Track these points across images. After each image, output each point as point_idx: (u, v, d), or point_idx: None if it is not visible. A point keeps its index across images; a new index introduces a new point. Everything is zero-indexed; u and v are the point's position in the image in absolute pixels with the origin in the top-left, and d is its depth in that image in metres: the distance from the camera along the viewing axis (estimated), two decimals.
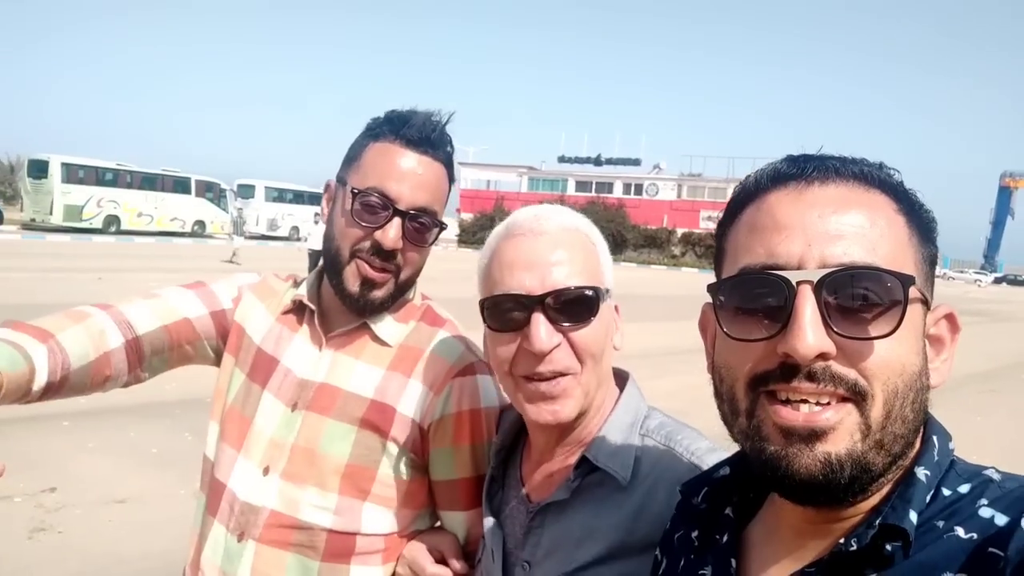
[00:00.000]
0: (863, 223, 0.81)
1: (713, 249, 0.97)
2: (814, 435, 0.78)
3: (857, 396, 0.78)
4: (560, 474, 1.32)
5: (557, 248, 1.25)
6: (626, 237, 57.74)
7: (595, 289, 1.25)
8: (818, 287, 0.78)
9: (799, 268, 0.80)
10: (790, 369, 0.79)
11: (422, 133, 1.49)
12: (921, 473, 0.80)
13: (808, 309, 0.77)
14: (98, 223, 35.26)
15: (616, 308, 1.34)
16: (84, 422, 7.27)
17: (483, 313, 1.29)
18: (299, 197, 44.65)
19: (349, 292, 1.50)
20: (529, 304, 1.22)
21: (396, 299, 1.57)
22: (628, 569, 1.21)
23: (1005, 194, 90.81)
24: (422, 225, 1.50)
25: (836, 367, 0.78)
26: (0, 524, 5.05)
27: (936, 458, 0.82)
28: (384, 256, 1.48)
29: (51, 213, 33.68)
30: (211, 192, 40.99)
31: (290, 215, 44.08)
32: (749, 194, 0.90)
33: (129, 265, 22.29)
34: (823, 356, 0.77)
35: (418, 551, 1.53)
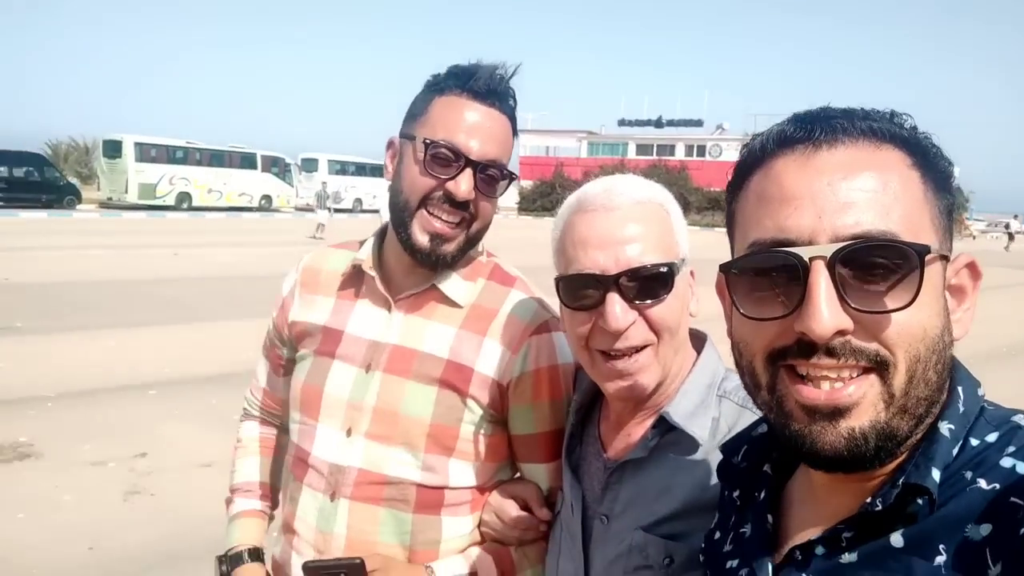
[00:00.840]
0: (875, 187, 0.78)
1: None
2: (837, 412, 0.77)
3: (879, 366, 0.77)
4: (638, 432, 1.35)
5: (630, 223, 1.25)
6: (689, 200, 56.55)
7: (669, 265, 1.25)
8: (831, 262, 0.76)
9: (811, 242, 0.77)
10: (808, 346, 0.77)
11: (489, 86, 1.50)
12: (945, 428, 0.79)
13: (823, 286, 0.75)
14: (171, 200, 36.18)
15: (692, 274, 1.35)
16: (170, 391, 7.64)
17: (558, 290, 1.30)
18: (361, 169, 45.04)
19: (419, 246, 1.50)
20: (604, 283, 1.22)
21: (466, 252, 1.58)
22: (702, 524, 1.22)
23: None
24: (492, 176, 1.51)
25: (856, 341, 0.77)
26: (96, 488, 5.39)
27: (962, 409, 0.81)
28: (455, 206, 1.48)
29: (126, 191, 34.68)
30: (276, 167, 41.60)
31: (353, 187, 44.52)
32: (756, 159, 0.87)
33: (202, 240, 22.96)
34: (841, 332, 0.76)
35: (503, 499, 1.58)
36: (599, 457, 1.40)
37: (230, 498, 1.83)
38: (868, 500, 0.79)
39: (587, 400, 1.49)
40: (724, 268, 0.87)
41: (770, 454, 1.00)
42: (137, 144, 35.09)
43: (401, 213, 1.53)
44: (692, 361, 1.37)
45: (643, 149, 64.48)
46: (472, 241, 1.57)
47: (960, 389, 0.83)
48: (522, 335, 1.56)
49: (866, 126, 0.81)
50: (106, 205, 35.57)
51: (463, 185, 1.46)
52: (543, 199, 50.24)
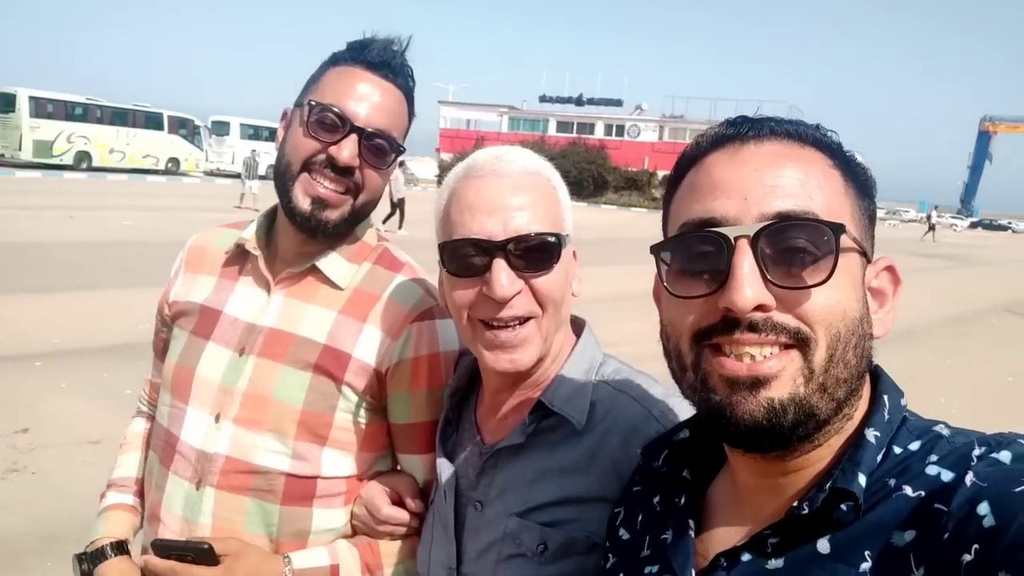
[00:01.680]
0: (798, 175, 0.83)
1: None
2: (757, 383, 0.80)
3: (800, 342, 0.79)
4: (514, 417, 1.33)
5: (519, 192, 1.23)
6: (607, 179, 57.51)
7: (557, 236, 1.24)
8: (754, 240, 0.79)
9: (736, 223, 0.81)
10: (732, 322, 0.80)
11: (382, 57, 1.48)
12: (871, 435, 0.82)
13: (746, 263, 0.79)
14: (69, 159, 34.45)
15: (574, 254, 1.33)
16: (57, 363, 7.22)
17: (442, 257, 1.27)
18: (275, 134, 43.71)
19: (299, 210, 1.46)
20: (490, 249, 1.20)
21: (352, 226, 1.54)
22: (580, 512, 1.23)
23: (984, 138, 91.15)
24: (379, 147, 1.47)
25: (777, 316, 0.79)
26: None
27: (887, 417, 0.84)
28: (338, 172, 1.45)
29: (20, 149, 32.83)
30: (185, 129, 40.09)
31: (267, 153, 43.25)
32: (690, 159, 0.92)
33: (102, 203, 21.91)
34: (762, 308, 0.79)
35: (375, 492, 1.53)
36: (475, 442, 1.39)
37: (104, 493, 1.74)
38: (795, 504, 0.80)
39: (463, 384, 1.47)
40: (654, 249, 0.90)
41: (690, 460, 1.02)
42: (32, 98, 33.21)
43: (283, 177, 1.49)
44: (571, 345, 1.37)
45: (564, 126, 64.94)
46: (358, 214, 1.53)
47: (885, 398, 0.86)
48: (403, 321, 1.52)
49: (792, 129, 0.87)
50: None
51: (345, 151, 1.43)
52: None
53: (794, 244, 0.79)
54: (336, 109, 1.43)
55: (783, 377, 0.79)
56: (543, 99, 68.80)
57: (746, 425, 0.80)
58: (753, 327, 0.79)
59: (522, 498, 1.26)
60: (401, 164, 23.43)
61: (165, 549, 1.42)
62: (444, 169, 56.05)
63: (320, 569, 1.48)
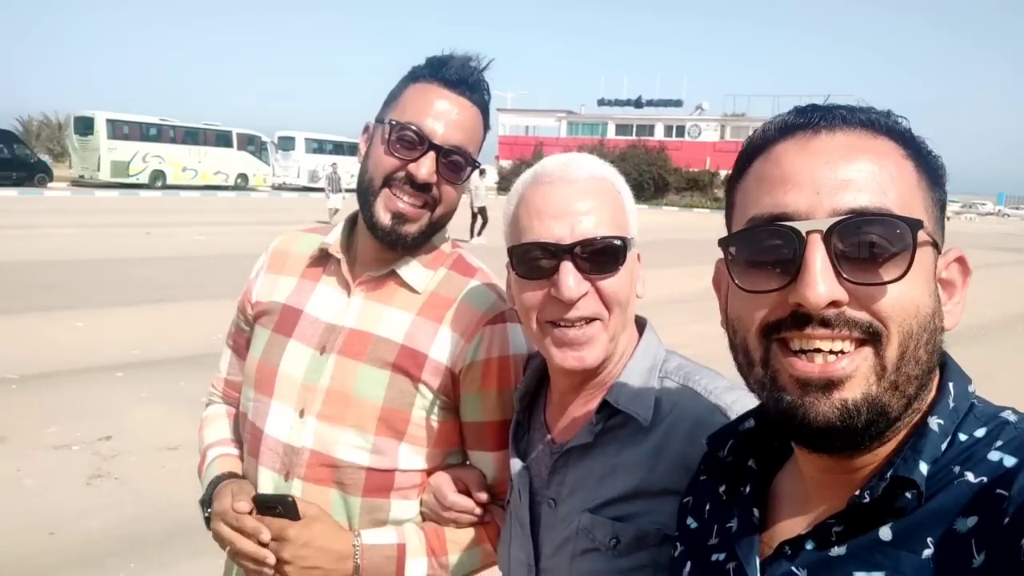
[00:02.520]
0: (871, 168, 0.81)
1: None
2: (831, 384, 0.79)
3: (873, 337, 0.78)
4: (583, 417, 1.35)
5: (586, 197, 1.26)
6: (668, 180, 56.87)
7: (623, 239, 1.27)
8: (827, 235, 0.78)
9: (808, 218, 0.80)
10: (803, 317, 0.79)
11: (460, 75, 1.53)
12: (934, 423, 0.81)
13: (819, 258, 0.77)
14: (144, 178, 35.78)
15: (639, 256, 1.35)
16: (137, 373, 7.50)
17: (511, 260, 1.31)
18: (339, 148, 44.58)
19: (381, 224, 1.53)
20: (558, 253, 1.23)
21: (429, 237, 1.60)
22: (650, 506, 1.24)
23: None
24: (455, 163, 1.53)
25: (850, 312, 0.78)
26: (59, 471, 5.27)
27: (952, 404, 0.83)
28: (417, 188, 1.51)
29: (98, 169, 34.23)
30: (252, 145, 41.24)
31: (332, 166, 44.12)
32: (757, 147, 0.89)
33: (176, 220, 22.70)
34: (835, 304, 0.78)
35: (443, 480, 1.59)
36: (545, 442, 1.42)
37: (201, 461, 1.80)
38: (856, 492, 0.80)
39: (532, 387, 1.50)
40: (723, 242, 0.89)
41: (756, 449, 1.02)
42: (109, 121, 34.61)
43: (366, 192, 1.56)
44: (635, 344, 1.38)
45: (622, 129, 64.59)
46: (435, 226, 1.59)
47: (951, 385, 0.84)
48: (476, 324, 1.57)
49: (864, 117, 0.85)
50: (78, 183, 35.06)
51: (424, 168, 1.49)
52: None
53: (868, 240, 0.78)
54: (415, 127, 1.49)
55: (856, 377, 0.78)
56: (601, 102, 68.48)
57: (819, 427, 0.79)
58: (826, 323, 0.78)
59: (593, 494, 1.29)
60: (482, 172, 23.24)
61: (261, 502, 1.51)
62: (504, 176, 56.31)
63: (387, 546, 1.54)
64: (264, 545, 1.45)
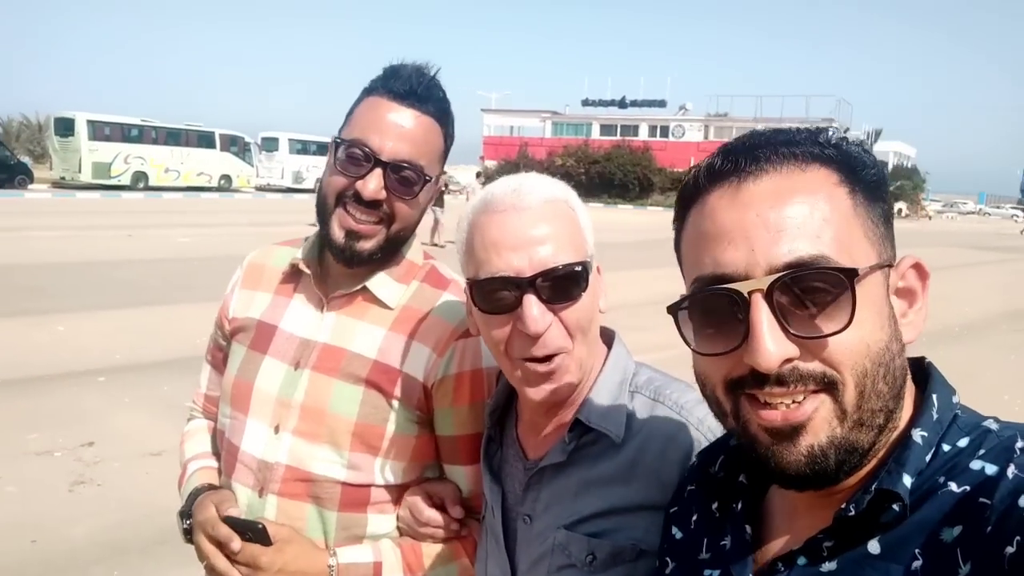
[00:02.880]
0: (802, 212, 0.81)
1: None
2: (795, 431, 0.80)
3: (828, 386, 0.80)
4: (555, 434, 1.35)
5: (540, 223, 1.24)
6: (652, 180, 57.01)
7: (583, 264, 1.25)
8: (768, 293, 0.79)
9: (747, 276, 0.80)
10: (761, 376, 0.80)
11: (408, 86, 1.49)
12: (918, 435, 0.82)
13: (764, 319, 0.78)
14: (126, 180, 35.49)
15: (599, 269, 1.34)
16: (119, 378, 7.44)
17: (472, 296, 1.28)
18: (323, 149, 44.27)
19: (335, 242, 1.52)
20: (521, 285, 1.21)
21: (388, 252, 1.58)
22: (625, 522, 1.24)
23: None
24: (405, 177, 1.50)
25: (802, 366, 0.79)
26: (41, 478, 5.22)
27: (936, 416, 0.83)
28: (368, 206, 1.49)
29: (80, 171, 33.93)
30: (235, 146, 40.97)
31: (315, 167, 43.84)
32: (691, 194, 0.90)
33: (159, 221, 22.52)
34: (787, 360, 0.79)
35: (418, 496, 1.58)
36: (519, 458, 1.41)
37: (182, 474, 1.79)
38: (842, 506, 0.81)
39: (502, 402, 1.49)
40: (671, 309, 0.90)
41: (746, 465, 1.02)
42: (90, 122, 34.32)
43: (322, 211, 1.56)
44: (603, 358, 1.37)
45: (607, 129, 64.67)
46: (394, 241, 1.57)
47: (935, 397, 0.85)
48: (448, 338, 1.57)
49: (788, 152, 0.84)
50: (59, 185, 34.73)
51: (371, 184, 1.47)
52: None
53: (809, 290, 0.79)
54: (360, 144, 1.47)
55: (817, 420, 0.80)
56: (586, 103, 68.45)
57: (791, 474, 0.82)
58: (781, 380, 0.79)
59: (568, 511, 1.29)
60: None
61: (232, 522, 1.50)
62: (488, 177, 56.04)
63: (364, 565, 1.53)
64: (234, 554, 1.46)
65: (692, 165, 0.93)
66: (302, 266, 1.64)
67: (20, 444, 5.73)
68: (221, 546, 1.47)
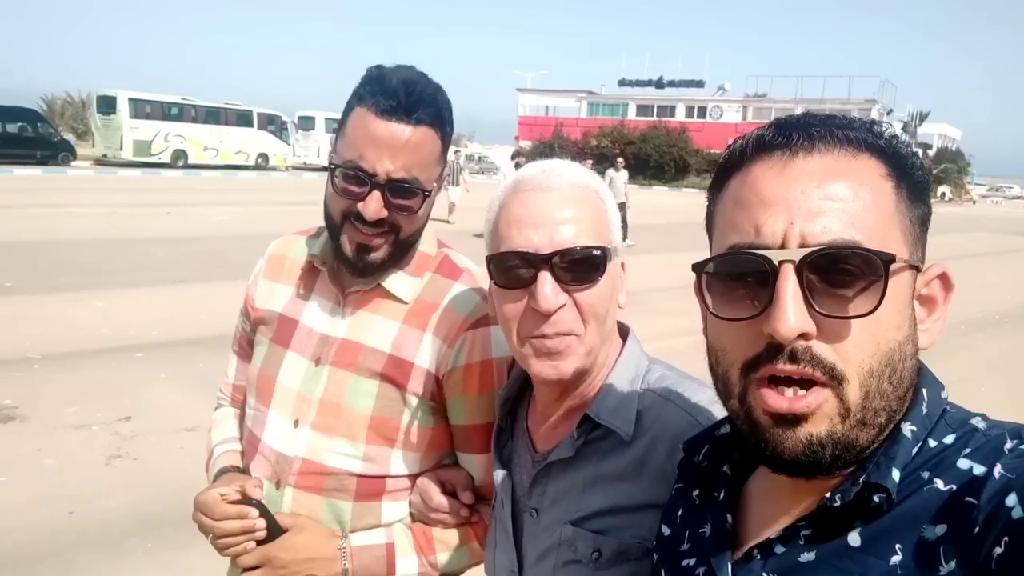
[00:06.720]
0: (846, 196, 0.80)
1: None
2: (797, 419, 0.80)
3: (833, 382, 0.79)
4: (564, 427, 1.35)
5: (566, 206, 1.24)
6: (688, 162, 56.35)
7: (603, 249, 1.25)
8: (799, 266, 0.78)
9: (782, 247, 0.80)
10: (775, 348, 0.80)
11: (395, 100, 1.44)
12: (907, 429, 0.82)
13: (790, 289, 0.78)
14: (166, 157, 35.90)
15: (622, 265, 1.33)
16: (156, 354, 7.59)
17: (489, 269, 1.29)
18: None
19: (347, 256, 1.54)
20: (536, 262, 1.21)
21: (398, 258, 1.59)
22: (631, 520, 1.24)
23: None
24: (404, 193, 1.50)
25: (816, 348, 0.79)
26: (79, 451, 5.36)
27: (925, 411, 0.84)
28: (372, 224, 1.49)
29: (121, 148, 34.38)
30: (273, 125, 41.23)
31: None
32: (735, 163, 0.89)
33: (197, 199, 22.85)
34: (804, 336, 0.78)
35: (429, 482, 1.60)
36: (528, 451, 1.41)
37: (208, 458, 1.83)
38: (828, 495, 0.81)
39: (514, 392, 1.49)
40: (697, 267, 0.89)
41: (731, 455, 1.02)
42: (131, 100, 34.67)
43: (330, 226, 1.57)
44: (616, 354, 1.36)
45: (643, 110, 63.94)
46: (403, 246, 1.58)
47: (925, 392, 0.85)
48: (459, 329, 1.58)
49: (843, 135, 0.84)
50: (101, 162, 35.25)
51: (371, 207, 1.47)
52: (542, 159, 49.25)
53: (841, 272, 0.79)
54: (355, 166, 1.45)
55: (819, 414, 0.80)
56: (622, 83, 67.73)
57: (787, 460, 0.82)
58: (793, 357, 0.79)
59: (574, 507, 1.29)
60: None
61: (258, 505, 1.53)
62: (526, 156, 55.83)
63: (376, 547, 1.56)
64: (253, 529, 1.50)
65: (735, 140, 0.92)
66: (317, 264, 1.66)
67: (59, 417, 5.88)
68: (234, 516, 1.51)
